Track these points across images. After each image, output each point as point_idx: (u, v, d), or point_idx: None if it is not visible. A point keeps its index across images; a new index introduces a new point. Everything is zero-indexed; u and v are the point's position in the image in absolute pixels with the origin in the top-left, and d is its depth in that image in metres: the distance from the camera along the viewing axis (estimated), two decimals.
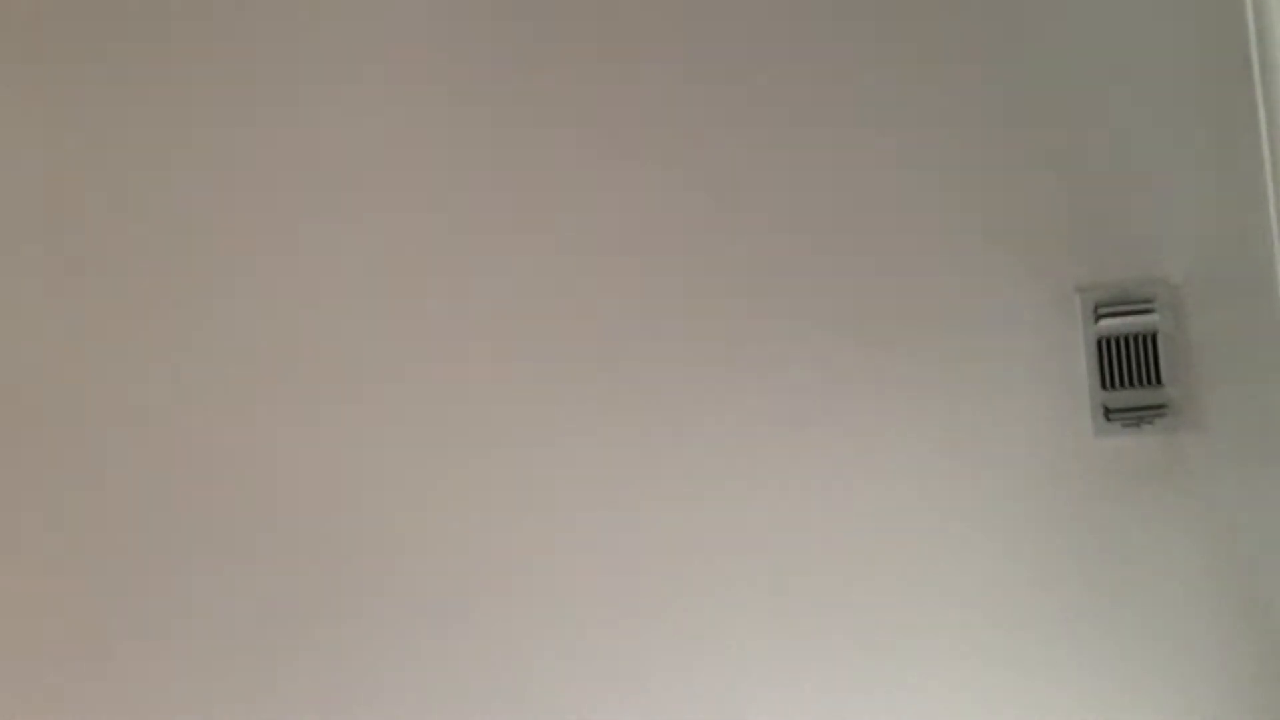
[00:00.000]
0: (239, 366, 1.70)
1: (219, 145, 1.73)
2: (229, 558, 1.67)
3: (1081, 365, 1.56)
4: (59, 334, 1.73)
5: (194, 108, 1.74)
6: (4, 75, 1.79)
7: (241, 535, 1.67)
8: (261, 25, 1.75)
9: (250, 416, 1.69)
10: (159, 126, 1.75)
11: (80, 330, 1.73)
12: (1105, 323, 1.55)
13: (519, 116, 1.69)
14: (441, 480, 1.66)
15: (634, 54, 1.68)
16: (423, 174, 1.70)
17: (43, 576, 1.70)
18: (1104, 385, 1.55)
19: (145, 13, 1.77)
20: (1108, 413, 1.55)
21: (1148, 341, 1.55)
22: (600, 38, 1.69)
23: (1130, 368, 1.55)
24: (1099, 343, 1.56)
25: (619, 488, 1.63)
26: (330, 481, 1.67)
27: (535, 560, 1.63)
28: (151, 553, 1.68)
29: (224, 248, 1.72)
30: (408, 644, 1.64)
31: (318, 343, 1.69)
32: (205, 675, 1.66)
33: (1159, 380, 1.54)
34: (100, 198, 1.75)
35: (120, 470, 1.70)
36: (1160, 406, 1.54)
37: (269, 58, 1.75)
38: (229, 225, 1.72)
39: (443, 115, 1.71)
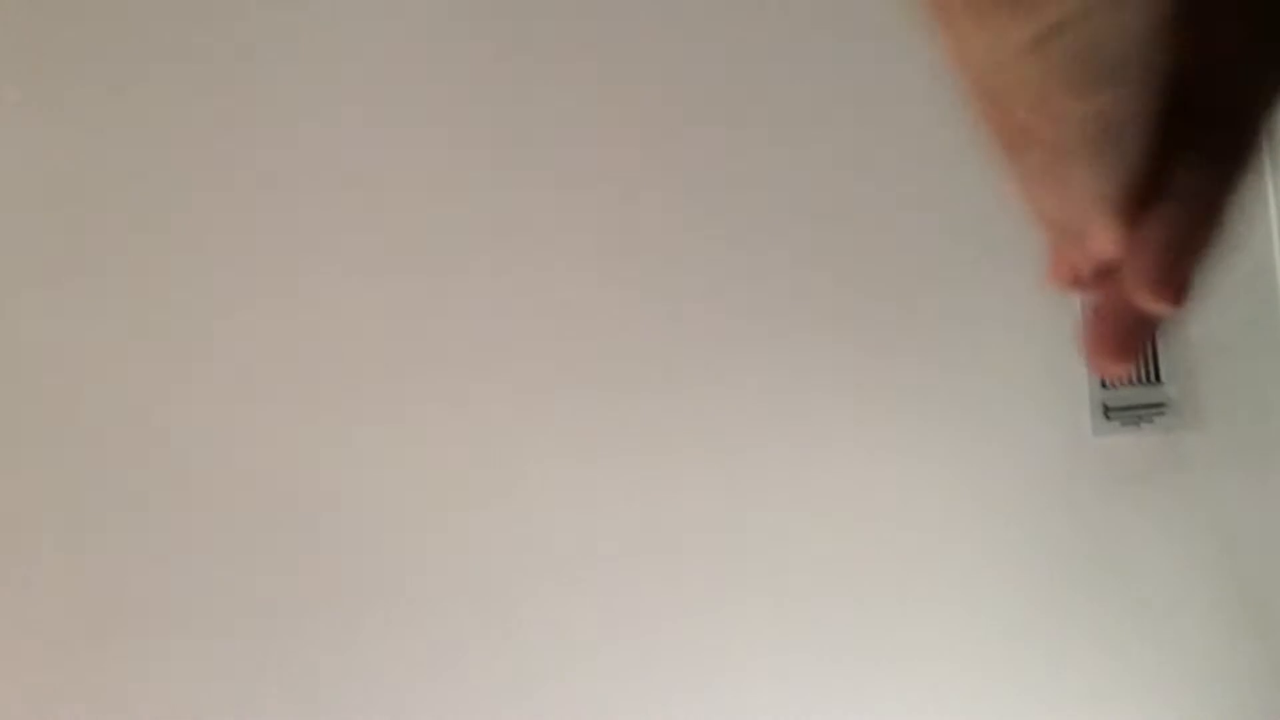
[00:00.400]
0: (243, 366, 1.70)
1: (222, 149, 1.73)
2: (231, 557, 1.67)
3: (1081, 363, 1.56)
4: (59, 331, 1.73)
5: (197, 107, 1.74)
6: (7, 74, 1.78)
7: (243, 535, 1.67)
8: (266, 27, 1.75)
9: (254, 416, 1.69)
10: (162, 126, 1.74)
11: (82, 328, 1.72)
12: None
13: (520, 121, 1.69)
14: (442, 483, 1.66)
15: (632, 60, 1.67)
16: (430, 176, 1.70)
17: (45, 574, 1.69)
18: (1103, 383, 1.55)
19: (148, 15, 1.76)
20: (1107, 411, 1.55)
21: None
22: (599, 42, 1.69)
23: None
24: None
25: (620, 491, 1.63)
26: (333, 482, 1.67)
27: (536, 560, 1.63)
28: (155, 551, 1.68)
29: (229, 247, 1.72)
30: (408, 646, 1.64)
31: (323, 342, 1.69)
32: (210, 674, 1.66)
33: (1158, 379, 1.55)
34: (102, 197, 1.74)
35: (121, 470, 1.70)
36: (1159, 405, 1.54)
37: (274, 58, 1.74)
38: (233, 224, 1.72)
39: (446, 118, 1.70)
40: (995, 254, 1.60)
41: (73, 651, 1.68)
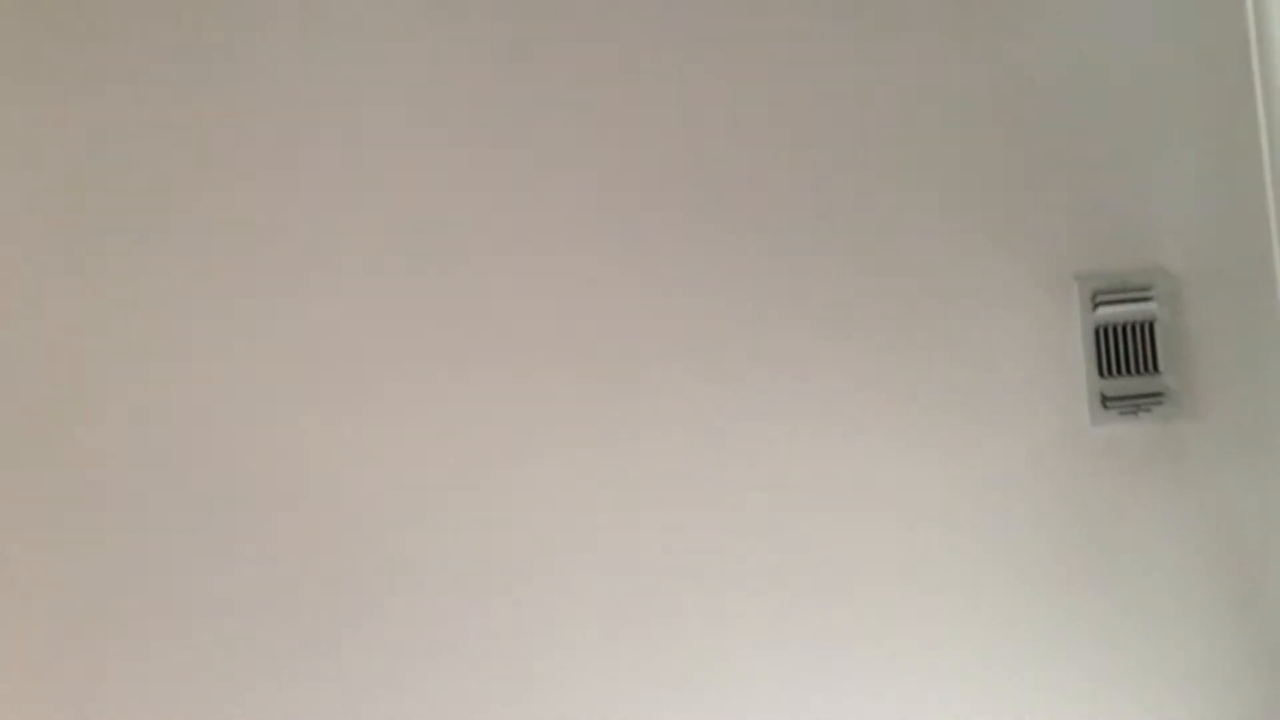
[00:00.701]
0: (243, 363, 1.70)
1: (230, 148, 1.73)
2: (242, 554, 1.67)
3: (1079, 352, 1.57)
4: (75, 329, 1.72)
5: (204, 109, 1.73)
6: (16, 76, 1.78)
7: (255, 533, 1.67)
8: (273, 23, 1.75)
9: (265, 414, 1.68)
10: (166, 128, 1.74)
11: (96, 326, 1.72)
12: (1103, 310, 1.56)
13: (530, 122, 1.69)
14: (450, 483, 1.65)
15: (639, 62, 1.68)
16: (440, 178, 1.69)
17: (51, 570, 1.69)
18: (1101, 373, 1.56)
19: (150, 15, 1.76)
20: (1105, 400, 1.55)
21: (1145, 330, 1.55)
22: (605, 42, 1.69)
23: (1128, 356, 1.55)
24: (1097, 330, 1.56)
25: (624, 488, 1.63)
26: (344, 480, 1.67)
27: (543, 558, 1.63)
28: (165, 548, 1.68)
29: (228, 246, 1.72)
30: (413, 644, 1.63)
31: (335, 343, 1.69)
32: (217, 670, 1.66)
33: (1156, 368, 1.55)
34: (114, 199, 1.74)
35: (134, 467, 1.69)
36: (1157, 394, 1.54)
37: (281, 55, 1.74)
38: (235, 221, 1.72)
39: (448, 116, 1.70)
40: (993, 244, 1.60)
41: (68, 650, 1.67)
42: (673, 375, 1.63)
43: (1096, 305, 1.56)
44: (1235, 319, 1.56)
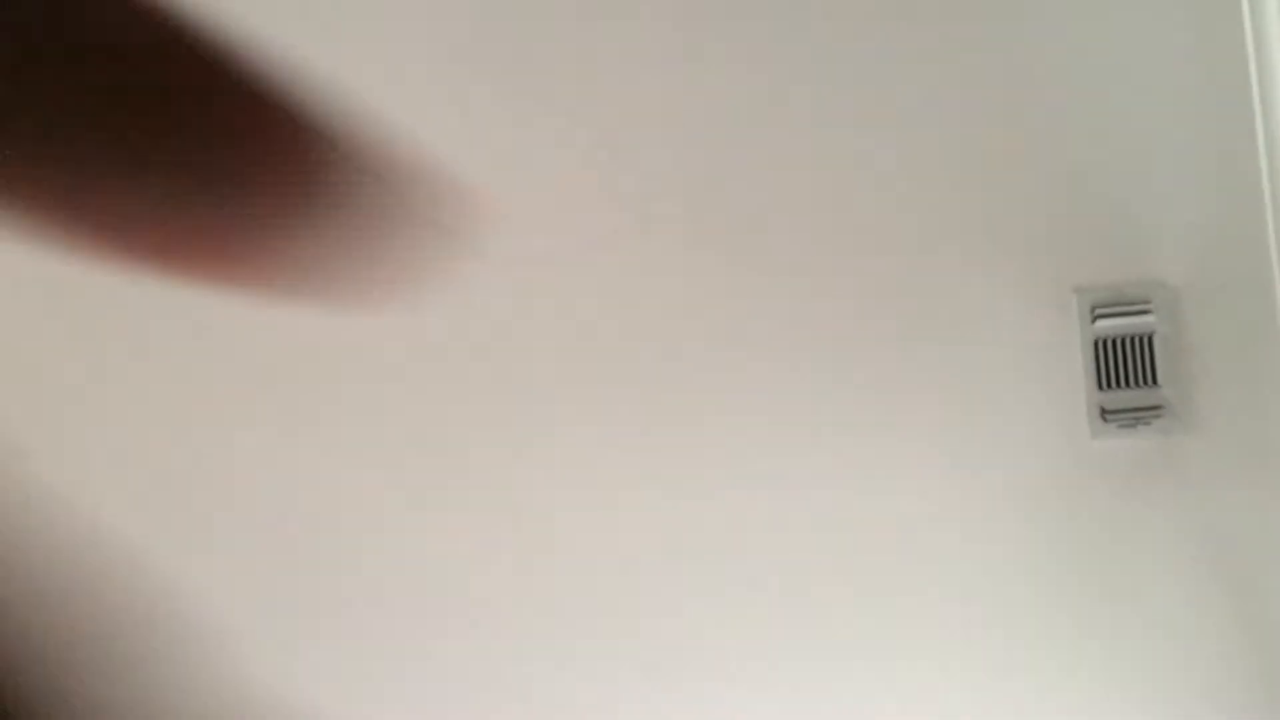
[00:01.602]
0: (248, 365, 1.70)
1: None
2: (224, 559, 1.67)
3: (1078, 366, 1.57)
4: (55, 332, 1.72)
5: None
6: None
7: (236, 537, 1.67)
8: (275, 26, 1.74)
9: (258, 417, 1.69)
10: None
11: (74, 328, 1.72)
12: (1102, 323, 1.56)
13: (522, 115, 1.69)
14: (439, 481, 1.66)
15: (638, 57, 1.68)
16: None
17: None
18: (1100, 386, 1.55)
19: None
20: (1104, 413, 1.55)
21: (1145, 342, 1.55)
22: (606, 38, 1.69)
23: (1127, 369, 1.55)
24: (1096, 343, 1.56)
25: (619, 490, 1.63)
26: (334, 485, 1.67)
27: (535, 561, 1.63)
28: (145, 551, 1.68)
29: None
30: (404, 648, 1.64)
31: (316, 339, 1.69)
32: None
33: (1155, 381, 1.55)
34: None
35: (112, 469, 1.69)
36: (1157, 408, 1.54)
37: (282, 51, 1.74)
38: None
39: (448, 107, 1.70)
40: (992, 256, 1.60)
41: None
42: (672, 384, 1.63)
43: (1095, 318, 1.56)
44: (1234, 331, 1.56)
